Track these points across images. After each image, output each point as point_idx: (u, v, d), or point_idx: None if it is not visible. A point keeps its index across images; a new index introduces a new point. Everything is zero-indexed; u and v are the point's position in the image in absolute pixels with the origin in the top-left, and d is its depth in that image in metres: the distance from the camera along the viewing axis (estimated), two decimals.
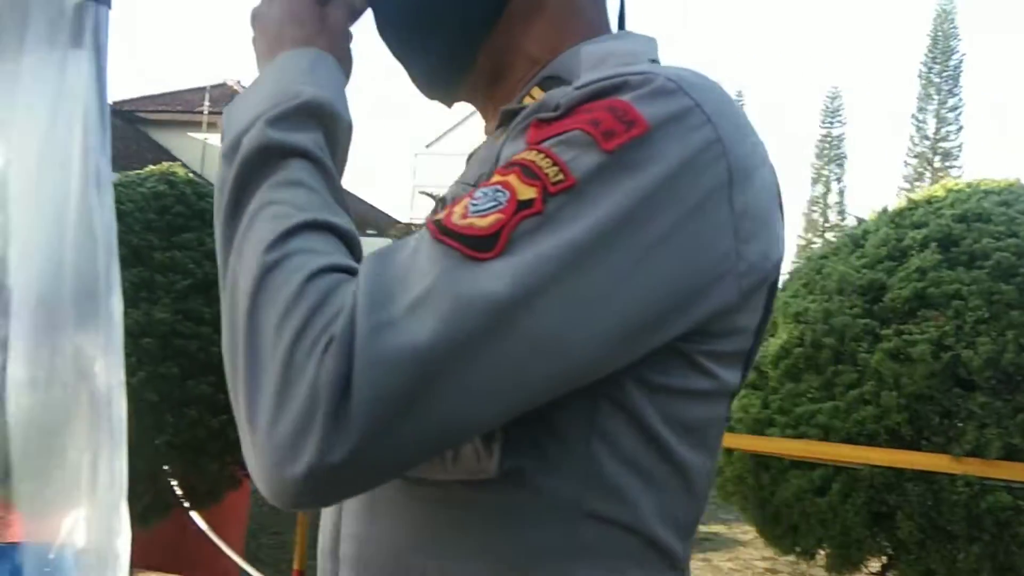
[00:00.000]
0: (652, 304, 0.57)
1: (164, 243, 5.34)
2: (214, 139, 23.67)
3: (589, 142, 0.58)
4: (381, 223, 26.24)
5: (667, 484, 0.64)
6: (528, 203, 0.57)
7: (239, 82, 25.67)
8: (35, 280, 2.04)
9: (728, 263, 0.60)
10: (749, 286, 0.63)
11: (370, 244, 0.89)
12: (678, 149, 0.58)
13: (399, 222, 26.68)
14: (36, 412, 2.10)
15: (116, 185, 2.54)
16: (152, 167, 6.02)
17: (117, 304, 2.31)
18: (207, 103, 24.20)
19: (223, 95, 25.03)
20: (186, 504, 4.95)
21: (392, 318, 0.53)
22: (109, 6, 2.24)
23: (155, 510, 4.83)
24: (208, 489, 5.13)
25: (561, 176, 0.57)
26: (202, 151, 24.29)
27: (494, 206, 0.57)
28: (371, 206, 29.16)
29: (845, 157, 58.57)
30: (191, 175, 6.15)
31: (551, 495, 0.60)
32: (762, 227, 0.62)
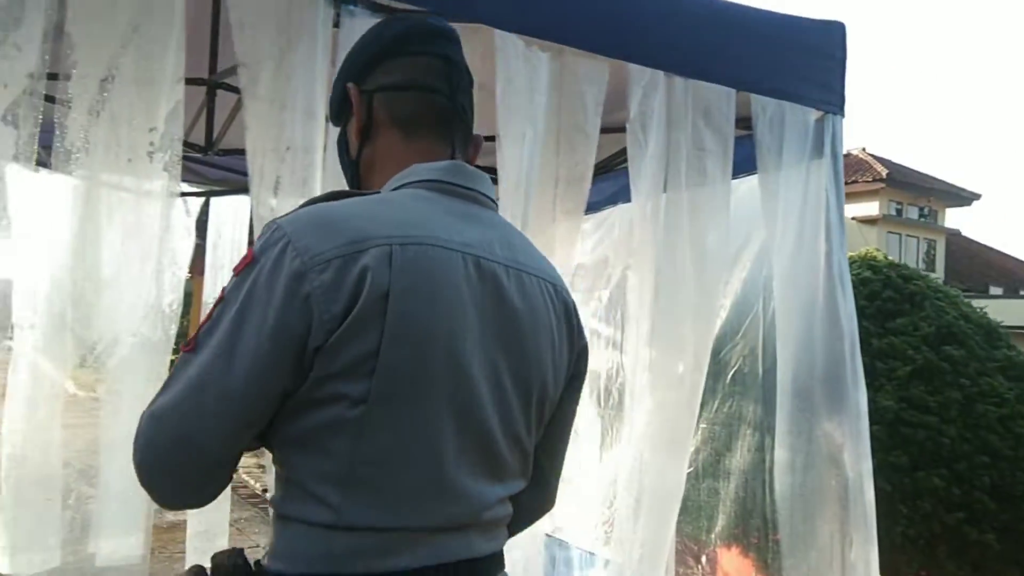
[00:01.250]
0: None
1: (879, 329, 5.35)
2: None
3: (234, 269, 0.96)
4: None
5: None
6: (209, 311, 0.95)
7: (863, 149, 24.36)
8: (791, 370, 2.28)
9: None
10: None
11: None
12: (264, 259, 0.93)
13: None
14: (795, 493, 2.30)
15: None
16: (851, 253, 6.14)
17: (862, 393, 2.39)
18: None
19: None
20: None
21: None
22: (843, 115, 2.43)
23: None
24: None
25: (222, 291, 0.95)
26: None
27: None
28: None
29: None
30: (890, 259, 6.07)
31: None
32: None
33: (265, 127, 1.59)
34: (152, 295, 1.54)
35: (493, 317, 0.99)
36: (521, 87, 1.85)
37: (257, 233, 1.03)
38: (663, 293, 2.00)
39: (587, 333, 1.17)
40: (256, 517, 5.93)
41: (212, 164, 3.56)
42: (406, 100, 1.08)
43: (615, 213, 2.99)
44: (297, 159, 1.58)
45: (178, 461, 0.92)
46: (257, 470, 7.19)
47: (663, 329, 2.01)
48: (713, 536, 2.83)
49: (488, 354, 0.98)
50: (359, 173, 1.13)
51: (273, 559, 0.95)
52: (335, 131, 1.19)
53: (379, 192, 1.04)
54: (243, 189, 3.77)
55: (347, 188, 1.13)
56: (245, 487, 6.84)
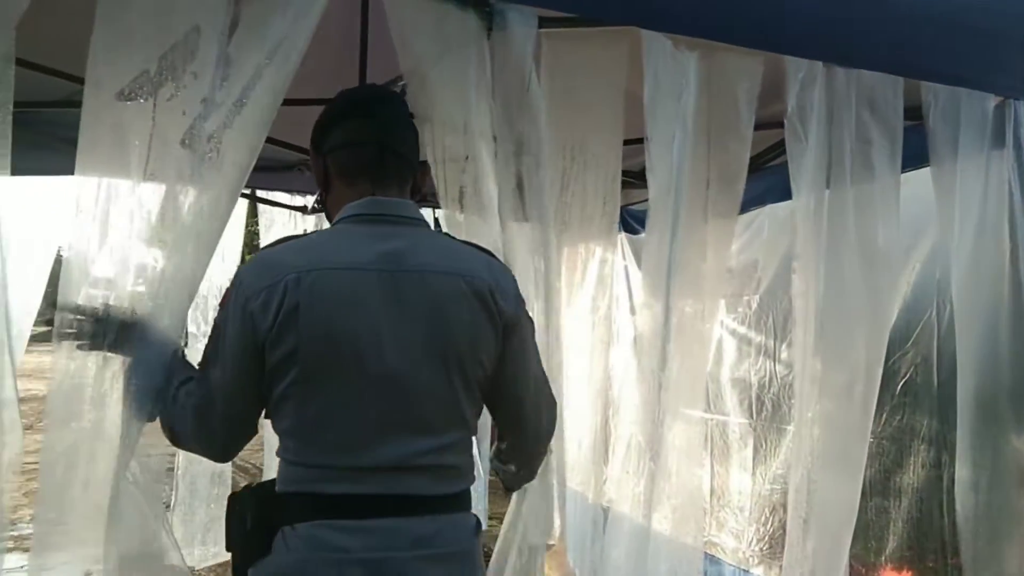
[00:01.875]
0: None
1: None
2: None
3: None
4: None
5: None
6: None
7: None
8: (973, 381, 2.07)
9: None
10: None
11: None
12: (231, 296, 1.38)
13: None
14: (980, 513, 2.09)
15: None
16: None
17: None
18: None
19: None
20: None
21: None
22: None
23: None
24: None
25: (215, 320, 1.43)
26: None
27: None
28: None
29: None
30: None
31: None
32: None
33: (440, 141, 1.61)
34: None
35: (401, 311, 1.35)
36: (669, 88, 1.79)
37: None
38: (829, 298, 1.87)
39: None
40: None
41: None
42: (345, 156, 1.47)
43: (764, 213, 2.85)
44: (461, 173, 1.60)
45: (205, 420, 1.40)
46: None
47: (830, 337, 1.87)
48: (883, 558, 2.62)
49: (399, 340, 1.34)
50: (328, 213, 1.55)
51: (276, 483, 1.42)
52: (505, 143, 1.59)
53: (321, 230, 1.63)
54: None
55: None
56: None
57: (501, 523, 1.77)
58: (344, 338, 1.33)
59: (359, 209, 1.42)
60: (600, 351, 3.23)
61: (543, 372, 1.54)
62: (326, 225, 1.58)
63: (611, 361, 3.70)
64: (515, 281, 1.49)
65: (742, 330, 2.95)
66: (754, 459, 2.83)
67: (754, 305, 2.90)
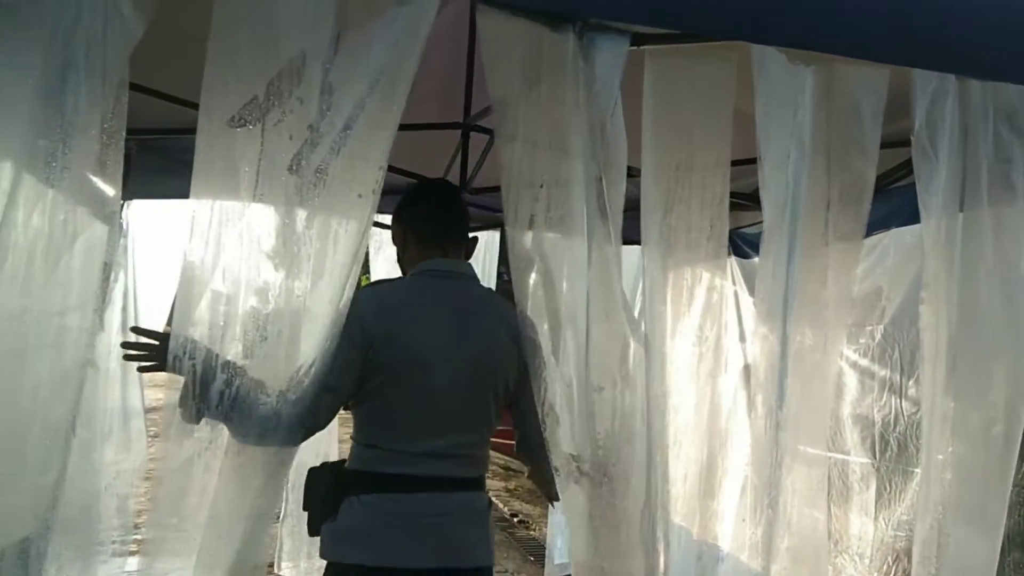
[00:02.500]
0: None
1: None
2: None
3: None
4: None
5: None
6: None
7: None
8: None
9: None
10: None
11: None
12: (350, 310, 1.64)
13: None
14: None
15: None
16: None
17: None
18: None
19: None
20: None
21: None
22: None
23: None
24: None
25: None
26: None
27: None
28: None
29: None
30: None
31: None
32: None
33: (518, 165, 1.59)
34: None
35: (459, 342, 1.85)
36: (783, 104, 1.69)
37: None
38: (963, 330, 1.70)
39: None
40: (505, 541, 6.07)
41: (468, 203, 3.74)
42: (422, 227, 2.00)
43: (889, 237, 2.66)
44: (552, 196, 1.56)
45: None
46: (505, 494, 7.39)
47: (965, 373, 1.70)
48: None
49: (456, 363, 1.84)
50: (403, 267, 2.05)
51: (346, 462, 1.90)
52: (590, 167, 1.58)
53: (402, 278, 2.03)
54: (494, 224, 3.92)
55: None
56: (495, 509, 7.03)
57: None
58: (419, 358, 1.82)
59: (432, 266, 1.95)
60: (708, 381, 3.11)
61: None
62: None
63: (719, 390, 3.56)
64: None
65: (864, 363, 2.75)
66: (877, 503, 2.62)
67: (878, 336, 2.70)
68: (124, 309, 3.68)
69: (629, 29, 1.60)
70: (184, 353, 1.55)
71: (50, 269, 1.46)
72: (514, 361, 1.85)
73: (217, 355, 1.56)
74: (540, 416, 1.66)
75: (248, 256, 1.54)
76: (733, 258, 3.46)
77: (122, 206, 3.43)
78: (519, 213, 1.61)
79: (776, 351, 1.68)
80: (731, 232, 3.46)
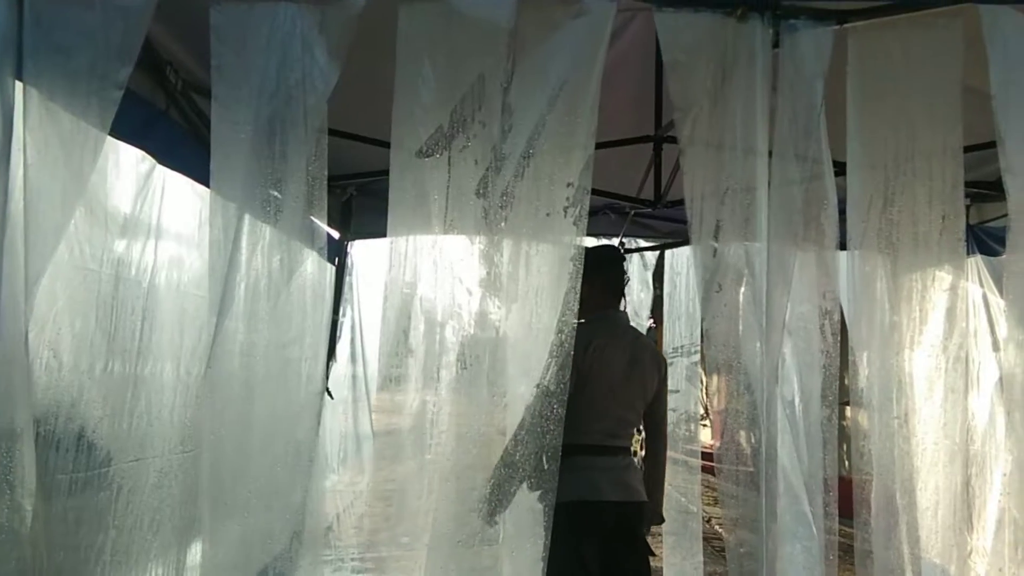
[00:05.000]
0: None
1: None
2: None
3: None
4: None
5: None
6: None
7: None
8: None
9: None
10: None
11: None
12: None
13: None
14: None
15: None
16: None
17: None
18: None
19: None
20: None
21: None
22: None
23: None
24: None
25: None
26: None
27: None
28: None
29: None
30: None
31: None
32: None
33: (703, 170, 1.50)
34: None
35: (630, 363, 2.65)
36: None
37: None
38: None
39: None
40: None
41: (663, 217, 3.64)
42: (613, 281, 2.75)
43: None
44: (737, 200, 1.45)
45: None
46: (729, 524, 6.96)
47: None
48: None
49: (626, 376, 2.63)
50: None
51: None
52: (779, 168, 1.49)
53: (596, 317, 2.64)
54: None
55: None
56: (718, 539, 6.67)
57: None
58: (607, 374, 2.60)
59: (609, 312, 2.73)
60: (954, 398, 2.75)
61: (666, 408, 2.86)
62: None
63: (971, 410, 3.12)
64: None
65: None
66: None
67: None
68: (352, 341, 3.97)
69: (829, 7, 1.45)
70: None
71: (272, 305, 1.59)
72: (654, 382, 2.73)
73: None
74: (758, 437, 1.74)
75: (441, 283, 1.57)
76: (978, 256, 3.05)
77: (346, 246, 3.73)
78: (704, 220, 1.50)
79: None
80: (974, 227, 3.07)
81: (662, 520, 2.96)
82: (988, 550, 2.11)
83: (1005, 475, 1.49)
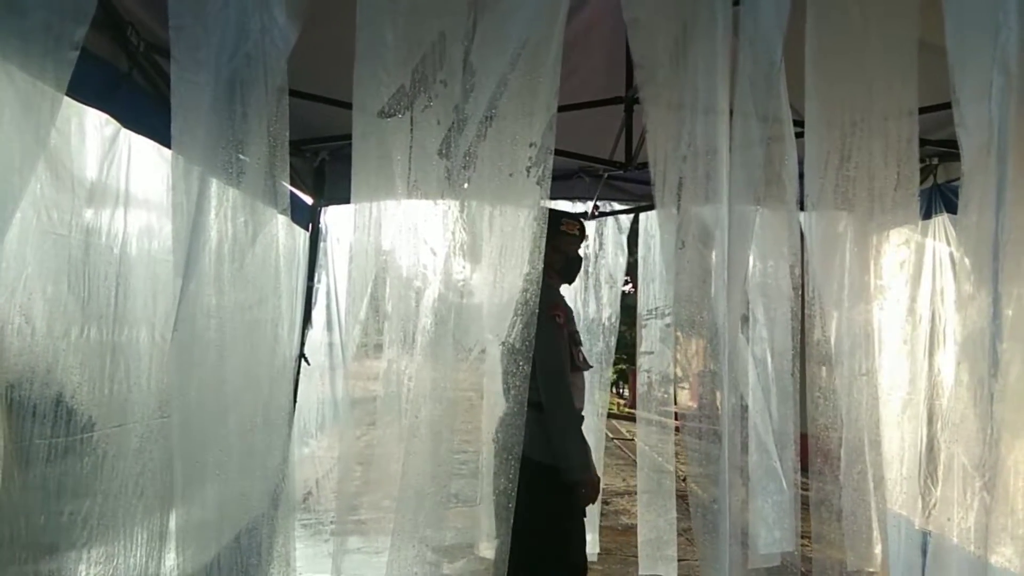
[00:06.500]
0: None
1: None
2: None
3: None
4: None
5: None
6: None
7: None
8: None
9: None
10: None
11: None
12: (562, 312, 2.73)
13: None
14: None
15: None
16: None
17: None
18: None
19: None
20: None
21: None
22: None
23: None
24: None
25: None
26: None
27: None
28: None
29: None
30: None
31: None
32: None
33: (665, 129, 1.51)
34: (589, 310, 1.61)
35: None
36: (980, 24, 1.46)
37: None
38: None
39: None
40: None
41: (636, 180, 3.64)
42: (574, 246, 2.81)
43: None
44: (699, 158, 1.46)
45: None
46: (704, 480, 7.10)
47: None
48: None
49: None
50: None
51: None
52: (740, 127, 1.49)
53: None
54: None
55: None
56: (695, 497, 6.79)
57: (810, 541, 1.66)
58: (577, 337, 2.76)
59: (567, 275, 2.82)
60: (918, 355, 2.80)
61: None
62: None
63: (937, 367, 3.17)
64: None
65: None
66: None
67: None
68: (327, 307, 3.96)
69: None
70: None
71: (237, 267, 1.59)
72: None
73: None
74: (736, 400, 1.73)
75: (408, 245, 1.58)
76: (945, 215, 3.08)
77: (320, 212, 3.71)
78: (667, 180, 1.52)
79: (986, 314, 1.45)
80: (940, 186, 3.09)
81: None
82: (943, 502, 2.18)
83: (954, 424, 1.54)
